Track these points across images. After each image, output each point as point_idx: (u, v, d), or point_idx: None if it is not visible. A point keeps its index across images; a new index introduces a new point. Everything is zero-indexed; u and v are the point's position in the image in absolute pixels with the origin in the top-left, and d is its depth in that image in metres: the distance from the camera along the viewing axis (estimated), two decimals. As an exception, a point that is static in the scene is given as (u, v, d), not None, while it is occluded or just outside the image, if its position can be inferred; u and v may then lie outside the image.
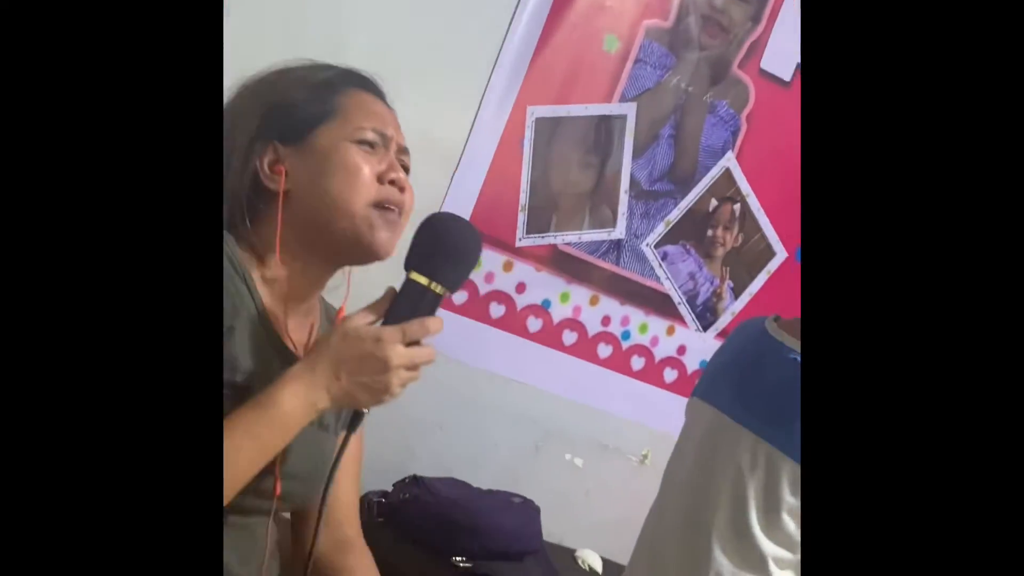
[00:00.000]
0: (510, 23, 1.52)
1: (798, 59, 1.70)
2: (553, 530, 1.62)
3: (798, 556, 1.06)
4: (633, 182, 1.65)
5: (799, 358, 1.05)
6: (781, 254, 1.75)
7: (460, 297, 1.58)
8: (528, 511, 1.47)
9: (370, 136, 0.84)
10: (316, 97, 0.86)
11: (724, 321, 1.76)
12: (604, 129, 1.62)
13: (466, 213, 1.56)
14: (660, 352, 1.75)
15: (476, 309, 1.60)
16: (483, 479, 1.59)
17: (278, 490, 0.83)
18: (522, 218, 1.60)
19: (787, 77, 1.70)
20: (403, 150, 0.88)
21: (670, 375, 1.76)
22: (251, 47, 0.95)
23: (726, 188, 1.71)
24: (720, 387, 1.11)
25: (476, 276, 1.60)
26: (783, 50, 1.69)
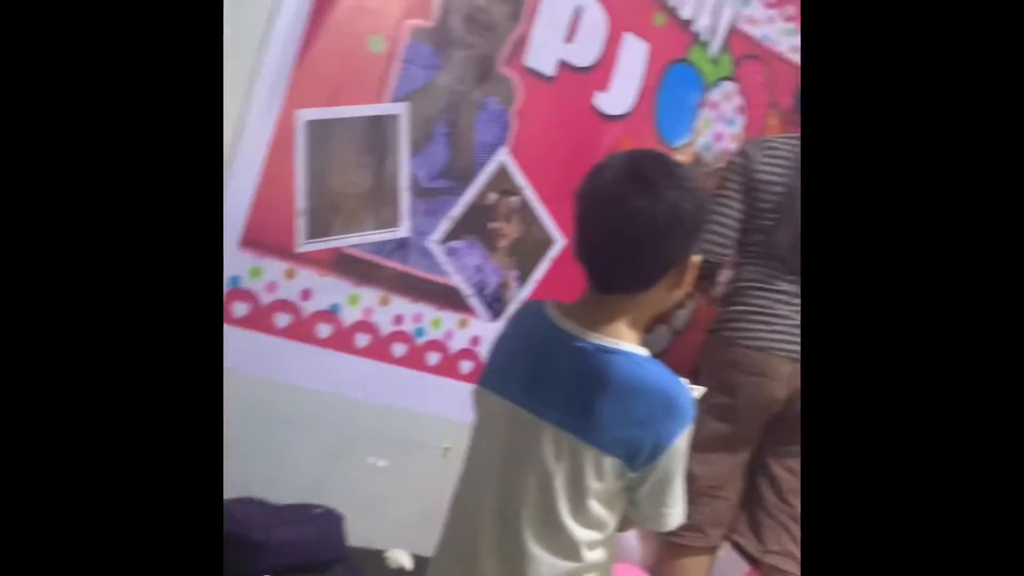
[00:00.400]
0: (265, 31, 1.49)
1: (559, 55, 1.79)
2: (361, 534, 1.61)
3: (607, 533, 1.11)
4: (412, 180, 1.67)
5: (586, 345, 1.07)
6: (559, 241, 1.84)
7: (240, 310, 1.54)
8: (329, 520, 1.45)
9: None
10: None
11: (514, 309, 1.82)
12: (377, 129, 1.62)
13: (240, 222, 1.51)
14: (455, 345, 1.79)
15: (260, 320, 1.56)
16: (285, 494, 1.56)
17: None
18: (301, 223, 1.57)
19: (550, 72, 1.78)
20: None
21: (466, 367, 1.80)
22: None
23: (503, 182, 1.77)
24: (511, 379, 1.11)
25: (257, 285, 1.55)
26: (545, 46, 1.76)
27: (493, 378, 1.15)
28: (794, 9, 2.16)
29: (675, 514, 1.12)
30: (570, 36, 1.79)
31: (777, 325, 1.65)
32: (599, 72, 1.85)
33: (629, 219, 1.02)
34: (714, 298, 2.01)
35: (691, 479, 1.41)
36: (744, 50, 2.10)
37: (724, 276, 1.87)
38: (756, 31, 2.11)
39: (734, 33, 2.06)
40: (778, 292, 1.67)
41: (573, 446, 1.04)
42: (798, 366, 1.60)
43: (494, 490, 1.10)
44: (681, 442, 1.07)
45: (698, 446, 1.46)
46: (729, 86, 2.10)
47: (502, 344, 1.19)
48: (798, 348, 1.61)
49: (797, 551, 1.67)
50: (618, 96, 1.88)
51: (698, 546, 1.70)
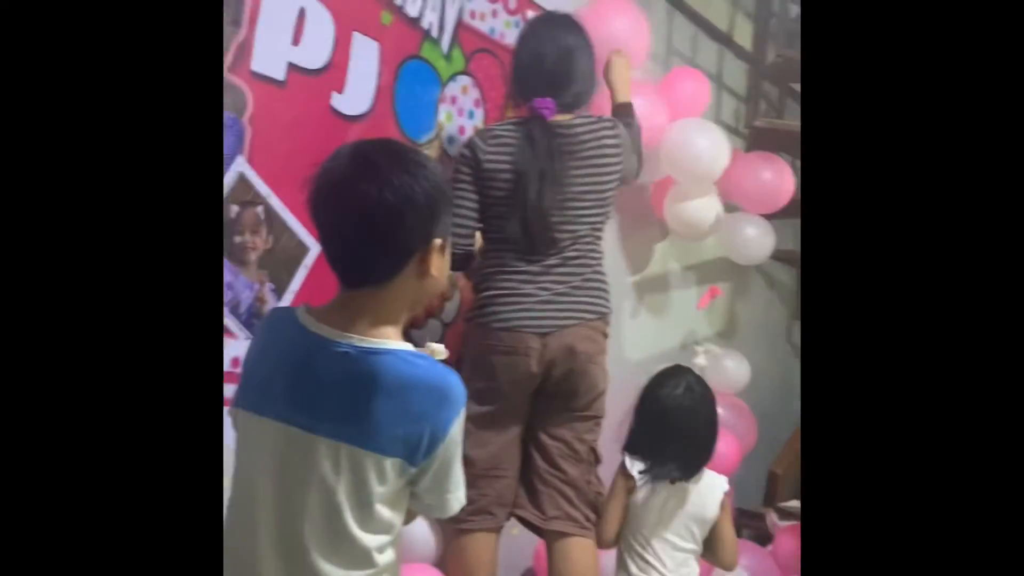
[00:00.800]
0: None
1: (288, 58, 1.74)
2: None
3: (394, 533, 1.10)
4: (143, 201, 1.56)
5: (350, 350, 1.04)
6: (314, 248, 1.80)
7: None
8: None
9: None
10: None
11: (273, 324, 1.75)
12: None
13: None
14: (215, 370, 1.69)
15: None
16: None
17: None
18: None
19: (280, 76, 1.74)
20: None
21: (229, 390, 1.71)
22: None
23: (245, 192, 1.70)
24: (272, 397, 1.06)
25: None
26: (271, 50, 1.71)
27: (252, 397, 1.09)
28: (515, 2, 2.26)
29: (459, 496, 1.14)
30: (296, 39, 1.76)
31: (523, 304, 1.73)
32: (332, 73, 1.83)
33: (358, 205, 1.01)
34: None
35: (470, 463, 1.47)
36: (474, 44, 2.17)
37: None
38: (483, 25, 2.18)
39: (462, 28, 2.12)
40: (521, 273, 1.75)
41: (352, 456, 1.02)
42: (547, 339, 1.70)
43: (272, 515, 1.05)
44: (457, 428, 1.08)
45: (471, 430, 1.52)
46: (465, 80, 2.16)
47: (254, 360, 1.12)
48: (545, 323, 1.71)
49: (576, 512, 1.76)
50: (355, 96, 1.87)
51: (486, 527, 1.73)
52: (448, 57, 2.10)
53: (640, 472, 1.82)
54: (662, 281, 2.95)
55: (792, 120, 3.32)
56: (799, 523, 2.59)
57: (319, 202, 1.05)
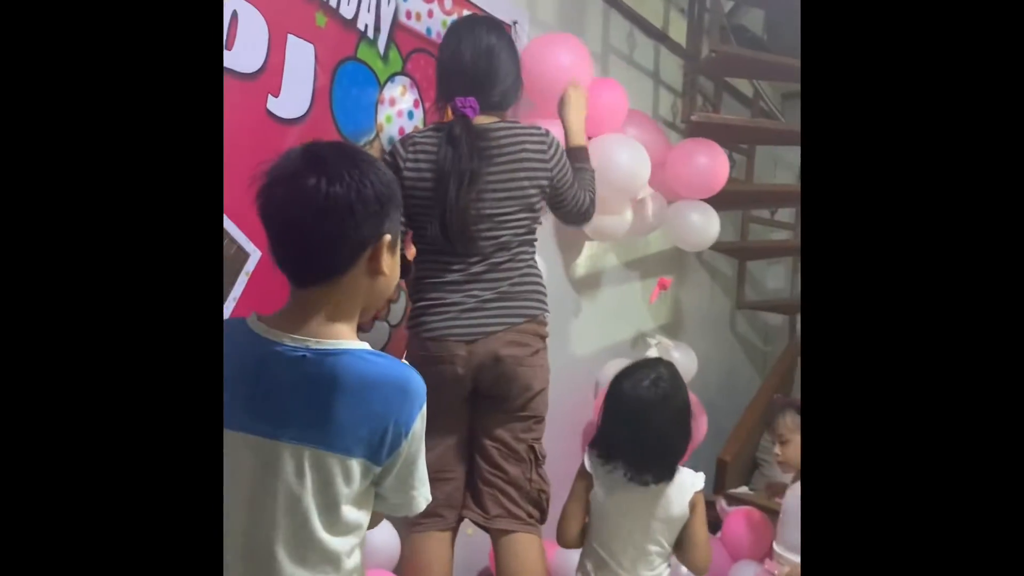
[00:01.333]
0: None
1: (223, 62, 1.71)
2: None
3: (361, 535, 1.09)
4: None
5: (307, 353, 1.04)
6: (255, 254, 1.77)
7: None
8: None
9: None
10: None
11: (216, 333, 1.72)
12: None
13: None
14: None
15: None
16: None
17: None
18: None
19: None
20: None
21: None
22: None
23: (181, 200, 1.66)
24: (232, 409, 1.03)
25: None
26: (203, 55, 1.68)
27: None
28: (451, 2, 2.26)
29: (424, 492, 1.14)
30: (230, 43, 1.73)
31: (449, 313, 1.75)
32: (268, 77, 1.80)
33: (309, 199, 1.01)
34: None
35: None
36: (411, 45, 2.16)
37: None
38: (419, 25, 2.18)
39: (398, 28, 2.11)
40: (448, 284, 1.76)
41: (317, 459, 1.02)
42: (473, 346, 1.73)
43: (240, 525, 1.03)
44: (419, 424, 1.09)
45: None
46: (403, 80, 2.15)
47: None
48: (470, 331, 1.73)
49: (518, 509, 1.78)
50: (291, 99, 1.85)
51: (438, 530, 1.76)
52: (385, 58, 2.09)
53: (606, 470, 1.80)
54: (603, 277, 2.98)
55: (728, 114, 3.39)
56: (748, 508, 2.64)
57: (268, 198, 1.04)
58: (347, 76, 1.99)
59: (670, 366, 1.85)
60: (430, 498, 1.16)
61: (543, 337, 1.82)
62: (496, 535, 1.79)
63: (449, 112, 1.84)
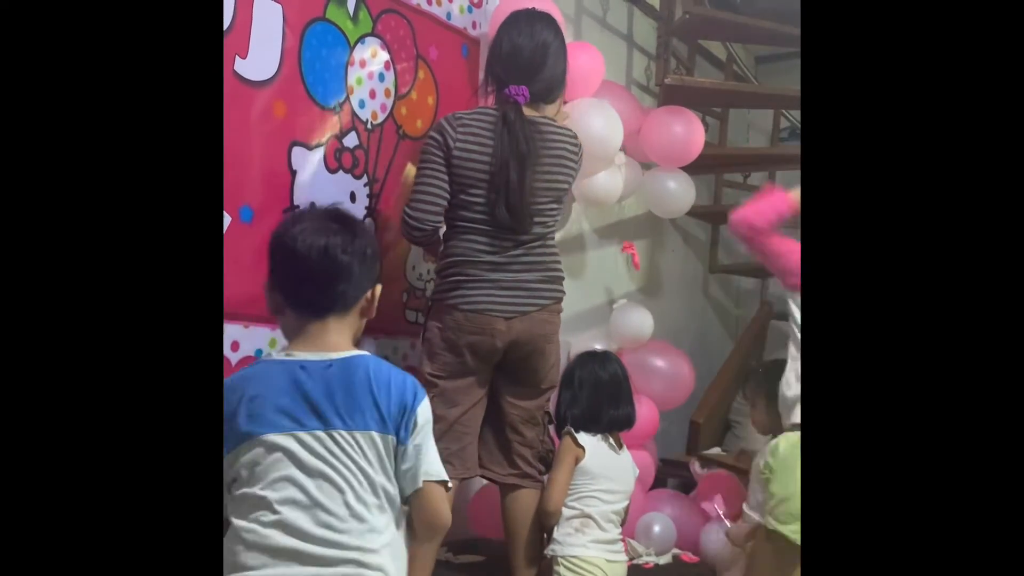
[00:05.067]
0: None
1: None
2: None
3: (397, 510, 1.29)
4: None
5: (331, 362, 1.29)
6: (226, 218, 1.75)
7: None
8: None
9: None
10: None
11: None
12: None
13: None
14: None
15: None
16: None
17: None
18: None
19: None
20: None
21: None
22: None
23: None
24: (270, 419, 1.23)
25: None
26: (167, 14, 1.64)
27: (248, 428, 1.23)
28: (422, -39, 2.22)
29: (439, 465, 1.34)
30: (194, 1, 1.68)
31: (490, 289, 1.90)
32: (235, 38, 1.76)
33: (336, 250, 1.30)
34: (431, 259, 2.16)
35: (440, 419, 1.79)
36: (381, 5, 2.12)
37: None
38: (390, -15, 2.13)
39: (368, -12, 2.07)
40: (486, 263, 1.90)
41: (362, 438, 1.25)
42: (511, 322, 1.90)
43: (304, 514, 1.21)
44: (426, 409, 1.33)
45: (443, 395, 1.88)
46: (374, 42, 2.11)
47: (241, 396, 1.25)
48: (510, 308, 1.91)
49: (531, 468, 2.03)
50: (259, 61, 1.81)
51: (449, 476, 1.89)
52: (355, 19, 2.05)
53: (596, 441, 2.05)
54: (576, 242, 2.98)
55: (701, 77, 3.37)
56: (720, 470, 2.68)
57: (291, 248, 1.30)
58: (316, 37, 1.95)
59: (613, 355, 2.23)
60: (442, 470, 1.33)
61: (559, 315, 2.03)
62: (508, 489, 2.03)
63: (491, 99, 1.99)
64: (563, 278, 2.02)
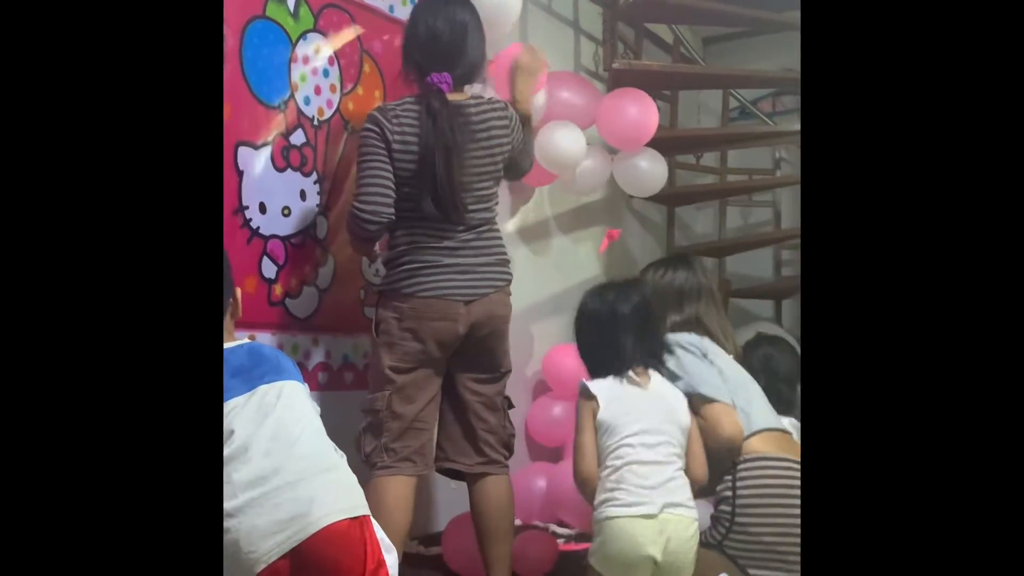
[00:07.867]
0: None
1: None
2: None
3: None
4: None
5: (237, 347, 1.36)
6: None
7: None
8: None
9: None
10: None
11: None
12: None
13: None
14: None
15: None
16: None
17: None
18: None
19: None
20: None
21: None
22: None
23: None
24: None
25: None
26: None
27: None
28: (361, -46, 2.20)
29: None
30: (128, 3, 1.65)
31: (447, 274, 1.86)
32: (172, 39, 1.73)
33: None
34: (374, 256, 2.13)
35: (397, 417, 1.83)
36: (322, 0, 2.10)
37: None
38: (329, -20, 2.11)
39: (307, -16, 2.05)
40: (441, 248, 1.87)
41: (292, 387, 1.38)
42: (470, 306, 1.87)
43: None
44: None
45: (401, 391, 1.85)
46: (316, 38, 2.09)
47: None
48: (468, 291, 1.87)
49: (495, 454, 1.96)
50: (199, 61, 1.78)
51: (406, 474, 1.86)
52: (296, 15, 2.03)
53: (615, 383, 1.78)
54: (536, 230, 2.98)
55: (649, 60, 3.39)
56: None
57: None
58: (257, 35, 1.93)
59: (637, 282, 2.00)
60: None
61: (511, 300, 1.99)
62: (474, 479, 1.96)
63: (414, 86, 1.91)
64: (510, 261, 1.97)
